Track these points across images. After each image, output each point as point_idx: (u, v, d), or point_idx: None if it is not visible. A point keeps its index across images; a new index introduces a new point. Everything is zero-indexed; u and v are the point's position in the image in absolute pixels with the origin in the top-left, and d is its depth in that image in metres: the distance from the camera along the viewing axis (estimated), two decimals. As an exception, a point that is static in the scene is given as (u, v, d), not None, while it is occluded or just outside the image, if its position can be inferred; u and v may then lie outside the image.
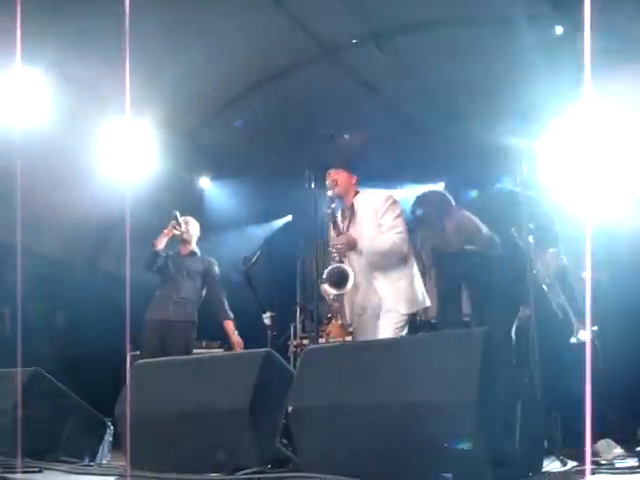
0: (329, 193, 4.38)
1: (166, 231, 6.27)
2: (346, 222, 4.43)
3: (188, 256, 6.44)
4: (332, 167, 4.41)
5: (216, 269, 6.52)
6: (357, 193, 4.49)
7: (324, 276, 4.19)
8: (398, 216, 4.34)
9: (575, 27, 5.44)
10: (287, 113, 7.63)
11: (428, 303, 4.52)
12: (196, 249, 6.51)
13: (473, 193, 7.99)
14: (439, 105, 8.07)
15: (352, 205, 4.45)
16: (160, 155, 7.22)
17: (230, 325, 6.40)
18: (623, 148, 5.86)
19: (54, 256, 7.68)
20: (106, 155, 6.60)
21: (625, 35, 5.40)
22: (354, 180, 4.49)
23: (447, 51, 6.97)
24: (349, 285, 4.16)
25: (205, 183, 8.63)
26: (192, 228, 6.50)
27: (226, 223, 8.74)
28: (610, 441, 3.60)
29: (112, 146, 6.55)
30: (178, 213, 6.31)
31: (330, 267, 4.20)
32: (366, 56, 6.93)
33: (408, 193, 8.79)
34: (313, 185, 4.32)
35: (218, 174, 8.66)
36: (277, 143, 7.85)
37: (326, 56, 7.11)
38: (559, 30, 5.63)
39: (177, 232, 6.31)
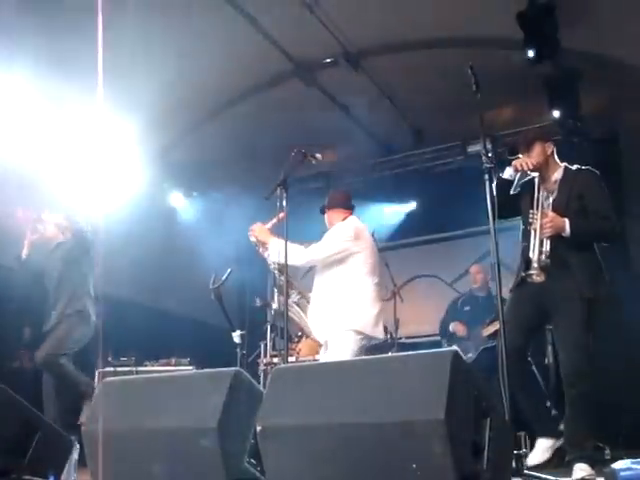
0: None
1: (26, 242, 5.86)
2: None
3: (56, 248, 5.91)
4: None
5: (80, 233, 5.70)
6: None
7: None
8: None
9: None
10: (260, 131, 7.65)
11: None
12: (62, 237, 5.91)
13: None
14: (412, 125, 8.15)
15: None
16: (132, 171, 7.19)
17: None
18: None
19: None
20: (78, 171, 6.54)
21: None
22: None
23: (420, 72, 7.06)
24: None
25: (177, 199, 8.59)
26: (49, 224, 5.93)
27: (197, 240, 8.70)
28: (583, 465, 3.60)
29: (84, 161, 6.49)
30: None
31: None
32: (340, 75, 6.98)
33: (379, 212, 8.88)
34: (284, 203, 4.29)
35: (190, 190, 8.64)
36: (249, 160, 7.86)
37: (300, 75, 7.15)
38: (530, 54, 5.70)
39: (35, 236, 5.86)
